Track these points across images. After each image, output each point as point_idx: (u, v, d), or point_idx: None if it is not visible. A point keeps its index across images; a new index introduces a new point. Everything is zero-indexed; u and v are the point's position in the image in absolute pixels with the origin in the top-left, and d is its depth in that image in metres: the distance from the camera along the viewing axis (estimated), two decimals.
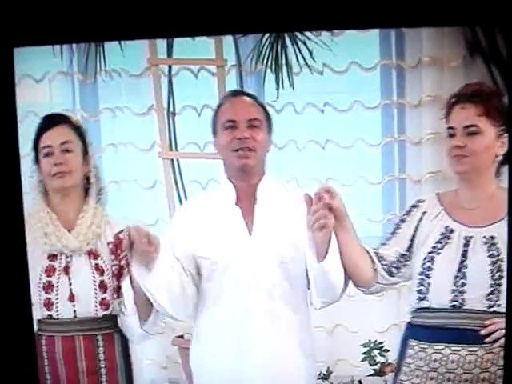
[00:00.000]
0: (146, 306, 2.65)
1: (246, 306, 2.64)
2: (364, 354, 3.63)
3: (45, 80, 4.43)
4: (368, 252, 2.63)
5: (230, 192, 2.70)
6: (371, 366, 3.61)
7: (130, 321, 2.69)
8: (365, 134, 4.49)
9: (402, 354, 2.60)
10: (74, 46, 4.26)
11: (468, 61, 4.35)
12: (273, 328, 2.65)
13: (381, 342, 3.65)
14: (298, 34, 4.18)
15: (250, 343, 2.64)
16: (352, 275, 2.59)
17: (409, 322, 2.62)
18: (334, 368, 3.69)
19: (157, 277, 2.55)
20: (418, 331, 2.56)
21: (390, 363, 3.59)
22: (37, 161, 2.76)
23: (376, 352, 3.62)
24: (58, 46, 4.12)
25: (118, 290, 2.74)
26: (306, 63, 4.23)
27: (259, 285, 2.63)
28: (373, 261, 2.62)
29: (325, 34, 4.25)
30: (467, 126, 2.49)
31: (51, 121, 2.78)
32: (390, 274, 2.64)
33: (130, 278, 2.62)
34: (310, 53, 4.20)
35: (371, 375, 3.59)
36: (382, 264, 2.62)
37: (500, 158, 2.50)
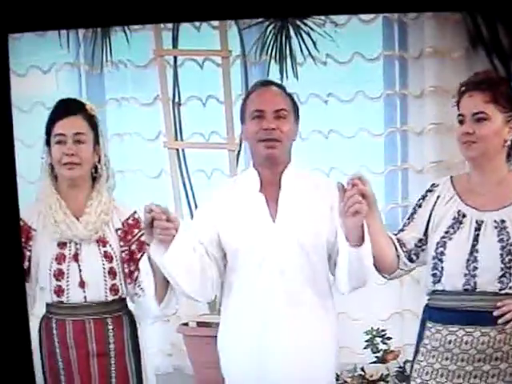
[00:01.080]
0: (162, 285, 2.64)
1: (269, 291, 2.64)
2: (366, 341, 3.61)
3: (52, 71, 4.44)
4: (392, 240, 2.65)
5: (254, 179, 2.71)
6: (374, 353, 3.58)
7: (146, 301, 2.67)
8: (368, 125, 4.48)
9: (420, 335, 2.62)
10: (81, 37, 4.28)
11: (470, 52, 4.33)
12: (296, 312, 2.65)
13: (383, 330, 3.63)
14: (301, 25, 4.17)
15: (275, 327, 2.64)
16: (378, 262, 2.60)
17: (426, 305, 2.64)
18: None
19: (175, 255, 2.54)
20: (434, 313, 2.58)
21: (392, 351, 3.58)
22: (48, 143, 2.75)
23: (378, 340, 3.60)
24: (64, 38, 4.13)
25: (130, 275, 2.74)
26: (310, 54, 4.22)
27: (282, 271, 2.64)
28: (396, 248, 2.64)
29: (328, 25, 4.26)
30: (475, 113, 2.50)
31: (66, 109, 2.76)
32: (411, 261, 2.65)
33: (148, 258, 2.61)
34: (314, 43, 4.19)
35: (374, 362, 3.57)
36: (404, 251, 2.64)
37: (509, 143, 2.52)
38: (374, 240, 2.55)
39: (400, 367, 3.54)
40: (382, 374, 3.54)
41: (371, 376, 3.54)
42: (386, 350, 3.57)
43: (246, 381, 2.70)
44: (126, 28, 4.14)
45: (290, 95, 2.77)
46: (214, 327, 3.93)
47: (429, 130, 4.41)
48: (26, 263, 2.70)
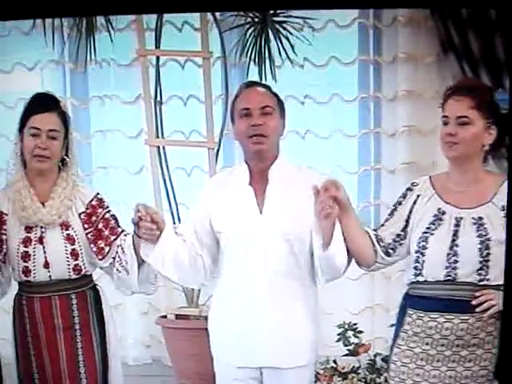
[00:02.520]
0: (143, 266, 2.76)
1: (253, 277, 2.71)
2: (339, 334, 3.60)
3: (36, 68, 4.40)
4: (369, 235, 2.70)
5: (245, 173, 2.77)
6: (346, 346, 3.57)
7: (130, 279, 2.77)
8: (342, 126, 4.48)
9: (400, 322, 2.67)
10: (66, 35, 4.24)
11: (441, 57, 4.34)
12: (277, 297, 2.71)
13: (355, 324, 3.62)
14: (280, 29, 4.15)
15: (258, 312, 2.71)
16: (355, 256, 2.69)
17: (406, 293, 2.68)
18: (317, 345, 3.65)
19: (161, 251, 2.65)
20: (415, 301, 2.62)
21: (363, 344, 3.57)
22: (20, 131, 2.80)
23: (350, 333, 3.59)
24: (49, 36, 4.07)
25: (100, 251, 2.81)
26: (288, 57, 4.21)
27: (266, 259, 2.70)
28: (373, 243, 2.69)
29: (306, 29, 4.26)
30: (459, 117, 2.57)
31: (44, 104, 2.82)
32: (388, 255, 2.70)
33: (132, 241, 2.71)
34: (292, 47, 4.18)
35: (346, 355, 3.56)
36: (381, 246, 2.69)
37: (487, 147, 2.59)
38: (351, 237, 2.62)
39: (371, 360, 3.54)
40: (353, 367, 3.54)
41: (343, 368, 3.53)
42: (357, 343, 3.57)
43: (233, 358, 2.76)
44: (109, 27, 4.13)
45: (274, 93, 2.82)
46: (192, 320, 3.91)
47: (401, 133, 4.41)
48: (4, 246, 2.78)
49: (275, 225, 2.69)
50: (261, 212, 2.72)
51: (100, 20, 4.11)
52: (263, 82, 4.09)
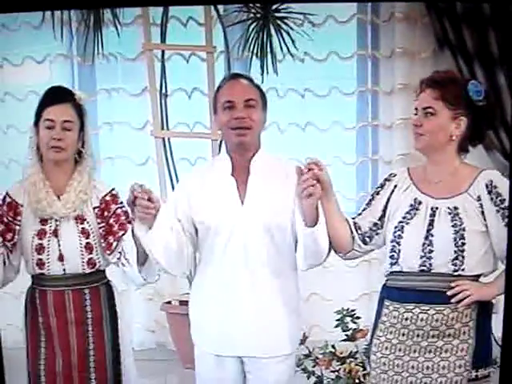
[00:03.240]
0: (143, 256, 2.65)
1: (234, 267, 2.65)
2: (337, 320, 3.57)
3: (46, 62, 4.40)
4: (348, 222, 2.64)
5: (227, 164, 2.70)
6: (344, 331, 3.56)
7: (132, 270, 2.67)
8: (341, 118, 4.50)
9: (378, 313, 2.62)
10: (74, 30, 4.24)
11: (437, 52, 4.35)
12: (257, 288, 2.65)
13: (353, 310, 3.60)
14: (282, 24, 4.15)
15: (237, 301, 2.65)
16: (333, 242, 2.62)
17: (384, 284, 2.63)
18: (309, 333, 3.64)
19: (155, 234, 2.56)
20: (392, 292, 2.57)
21: (361, 329, 3.55)
22: (36, 125, 2.73)
23: (348, 319, 3.57)
24: (58, 31, 4.08)
25: (109, 246, 2.75)
26: (289, 51, 4.21)
27: (247, 250, 2.64)
28: (351, 230, 2.63)
29: (306, 24, 4.25)
30: (424, 108, 2.50)
31: (58, 96, 2.75)
32: (365, 243, 2.64)
33: (132, 232, 2.61)
34: (293, 42, 4.18)
35: (344, 340, 3.54)
36: (358, 233, 2.63)
37: (455, 138, 2.50)
38: (330, 221, 2.56)
39: (368, 345, 3.52)
40: (351, 351, 3.52)
41: (341, 353, 3.52)
42: (355, 328, 3.55)
43: (212, 346, 2.70)
44: (116, 22, 4.13)
45: (257, 86, 2.76)
46: None
47: (398, 125, 4.42)
48: (16, 237, 2.72)
49: (256, 215, 2.63)
50: (242, 203, 2.65)
51: (107, 15, 4.11)
52: (264, 75, 4.14)
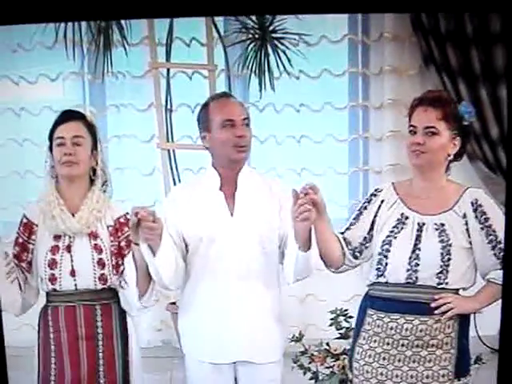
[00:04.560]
0: (144, 282, 2.60)
1: (226, 278, 2.60)
2: (331, 319, 3.56)
3: (59, 79, 4.40)
4: (338, 239, 2.59)
5: (215, 179, 2.65)
6: (337, 330, 3.54)
7: (129, 294, 2.61)
8: (334, 131, 4.50)
9: (361, 321, 2.58)
10: (85, 49, 4.25)
11: (423, 70, 4.37)
12: (248, 298, 2.62)
13: (345, 310, 3.58)
14: (278, 44, 4.16)
15: (229, 311, 2.62)
16: (325, 258, 2.57)
17: (367, 293, 2.59)
18: (305, 332, 3.63)
19: (163, 254, 2.49)
20: (376, 302, 2.53)
21: (353, 328, 3.53)
22: (51, 149, 2.68)
23: (342, 318, 3.55)
24: (70, 50, 4.10)
25: (117, 267, 2.66)
26: (285, 69, 4.22)
27: (239, 259, 2.60)
28: (342, 246, 2.59)
29: (302, 44, 4.26)
30: (427, 127, 2.45)
31: (67, 116, 2.70)
32: (355, 258, 2.60)
33: (133, 255, 2.55)
34: (289, 60, 4.19)
35: (337, 338, 3.53)
36: (349, 249, 2.59)
37: (451, 157, 2.49)
38: (323, 240, 2.50)
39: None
40: (344, 349, 3.50)
41: (335, 350, 3.50)
42: (347, 327, 3.53)
43: (206, 354, 2.65)
44: (124, 43, 4.14)
45: (243, 104, 2.75)
46: None
47: (387, 137, 4.43)
48: (30, 255, 2.66)
49: (246, 226, 2.60)
50: (232, 214, 2.61)
51: (116, 36, 4.12)
52: (262, 91, 4.15)
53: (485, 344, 4.05)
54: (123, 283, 2.61)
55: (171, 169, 4.24)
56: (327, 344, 3.51)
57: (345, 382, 3.41)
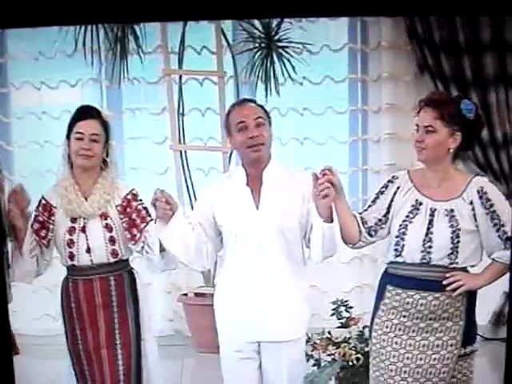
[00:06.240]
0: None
1: (252, 263, 2.65)
2: (333, 309, 3.52)
3: (78, 85, 4.41)
4: (356, 218, 2.64)
5: (242, 176, 2.71)
6: (338, 319, 3.51)
7: (153, 258, 2.75)
8: (335, 133, 4.50)
9: (380, 295, 2.62)
10: (103, 57, 4.24)
11: (418, 76, 4.36)
12: (273, 279, 2.66)
13: (346, 301, 3.55)
14: (283, 53, 4.17)
15: (257, 293, 2.66)
16: (344, 234, 2.62)
17: (385, 271, 2.64)
18: (309, 321, 3.59)
19: (171, 231, 2.62)
20: (394, 279, 2.59)
21: (353, 318, 3.51)
22: (68, 137, 2.77)
23: (342, 308, 3.52)
24: (89, 58, 4.08)
25: (133, 237, 2.77)
26: (290, 76, 4.21)
27: (263, 248, 2.65)
28: (359, 225, 2.64)
29: (305, 53, 4.26)
30: (426, 126, 2.51)
31: (87, 113, 2.79)
32: (370, 235, 2.65)
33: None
34: (293, 68, 4.19)
35: (338, 327, 3.50)
36: (365, 227, 2.64)
37: (452, 150, 2.52)
38: (341, 217, 2.56)
39: (360, 331, 3.47)
40: (345, 337, 3.47)
41: (336, 338, 3.46)
42: (348, 317, 3.50)
43: (236, 333, 2.70)
44: (140, 51, 4.15)
45: (261, 106, 2.75)
46: (209, 297, 3.86)
47: (384, 139, 4.42)
48: (50, 234, 2.77)
49: (270, 218, 2.65)
50: (257, 208, 2.66)
51: (132, 44, 4.12)
52: (268, 96, 4.14)
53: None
54: (146, 248, 2.75)
55: (183, 169, 4.26)
56: (329, 333, 3.47)
57: (345, 368, 3.37)
